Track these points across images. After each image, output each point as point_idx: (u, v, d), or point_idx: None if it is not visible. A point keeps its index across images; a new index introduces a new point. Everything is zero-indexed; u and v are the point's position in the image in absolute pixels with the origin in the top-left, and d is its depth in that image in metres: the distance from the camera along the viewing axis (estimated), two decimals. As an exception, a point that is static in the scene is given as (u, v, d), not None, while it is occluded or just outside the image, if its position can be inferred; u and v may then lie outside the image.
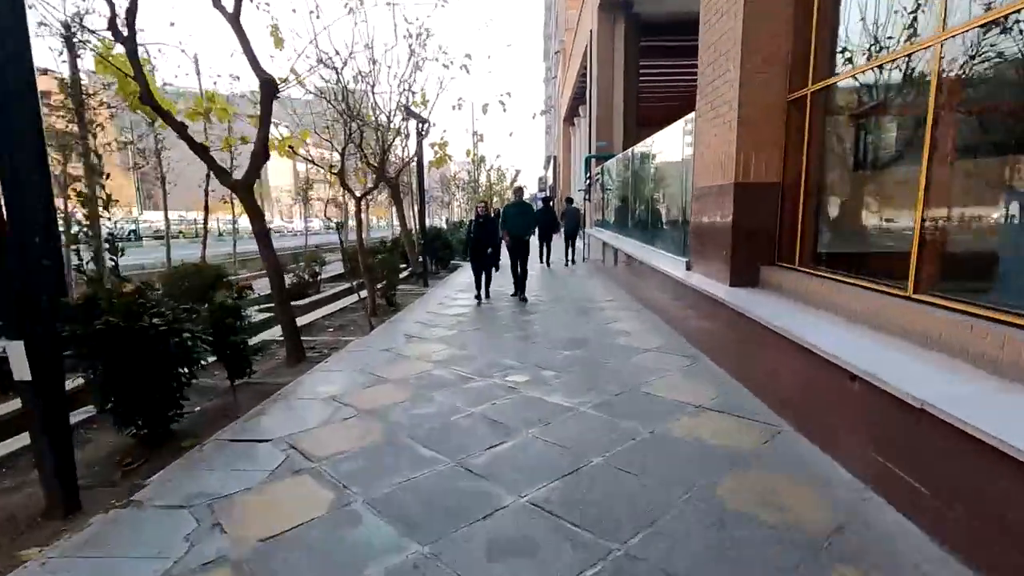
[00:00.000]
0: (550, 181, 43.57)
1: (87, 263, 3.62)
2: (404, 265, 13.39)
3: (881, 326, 3.41)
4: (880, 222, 4.28)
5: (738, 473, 2.99)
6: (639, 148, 9.70)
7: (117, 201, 3.93)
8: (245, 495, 2.95)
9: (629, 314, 7.52)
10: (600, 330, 6.62)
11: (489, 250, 8.78)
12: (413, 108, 11.32)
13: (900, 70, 3.66)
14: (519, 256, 9.01)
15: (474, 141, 33.07)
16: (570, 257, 14.97)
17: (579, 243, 15.61)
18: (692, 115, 6.37)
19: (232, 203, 16.36)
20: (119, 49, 5.12)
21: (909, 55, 3.48)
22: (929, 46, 3.22)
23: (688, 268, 6.30)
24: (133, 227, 30.54)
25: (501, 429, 3.70)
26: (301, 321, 7.86)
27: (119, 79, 5.53)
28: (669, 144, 7.90)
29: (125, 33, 4.66)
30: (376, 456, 3.36)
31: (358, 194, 8.98)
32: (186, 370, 3.89)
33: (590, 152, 15.78)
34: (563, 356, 5.48)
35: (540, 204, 14.81)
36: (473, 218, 9.18)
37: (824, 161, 4.64)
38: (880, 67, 3.83)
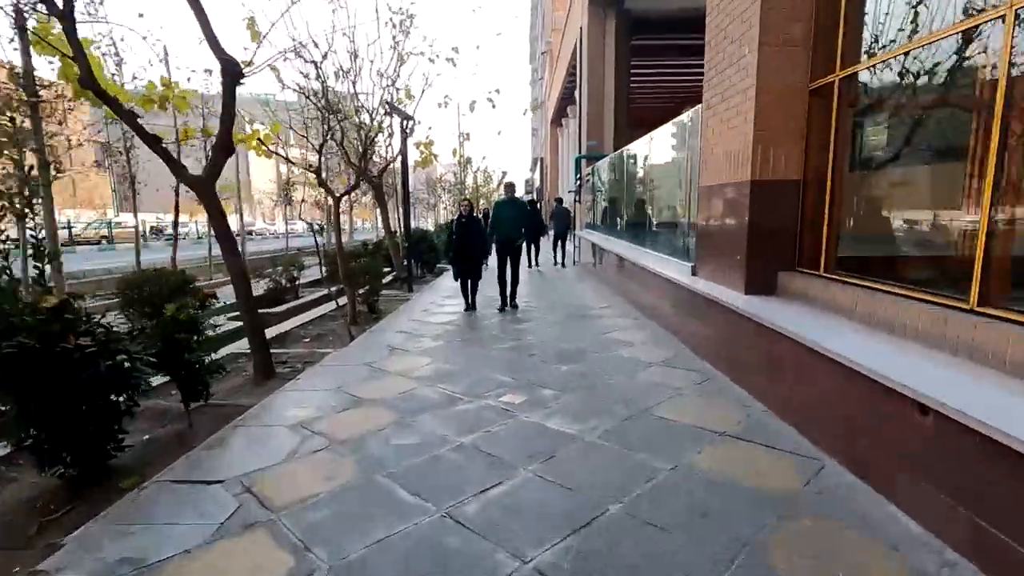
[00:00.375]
0: (537, 183, 43.19)
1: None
2: (388, 269, 12.79)
3: (935, 343, 2.92)
4: (921, 224, 3.82)
5: (787, 526, 2.48)
6: (634, 147, 9.23)
7: (41, 199, 3.32)
8: (182, 561, 2.37)
9: (628, 322, 7.02)
10: (598, 341, 6.11)
11: (476, 256, 7.97)
12: (397, 105, 10.75)
13: (950, 49, 3.19)
14: (510, 261, 8.22)
15: (460, 141, 32.55)
16: (559, 259, 14.78)
17: (569, 246, 15.21)
18: (696, 108, 5.90)
19: (208, 204, 15.65)
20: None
21: (965, 31, 3.01)
22: (999, 16, 2.75)
23: (694, 273, 5.82)
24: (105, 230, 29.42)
25: (497, 465, 3.15)
26: (274, 331, 7.25)
27: (63, 62, 4.89)
28: (669, 141, 7.43)
29: (61, 6, 4.04)
30: (348, 503, 2.80)
31: (338, 195, 8.37)
32: (124, 397, 3.29)
33: (580, 152, 15.32)
34: (561, 372, 4.95)
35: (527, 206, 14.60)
36: (456, 217, 8.32)
37: (854, 156, 4.17)
38: (924, 47, 3.36)
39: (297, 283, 10.91)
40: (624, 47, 15.40)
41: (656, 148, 8.04)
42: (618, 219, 10.82)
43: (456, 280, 8.24)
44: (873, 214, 4.17)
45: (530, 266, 13.99)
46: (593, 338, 6.22)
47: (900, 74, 3.69)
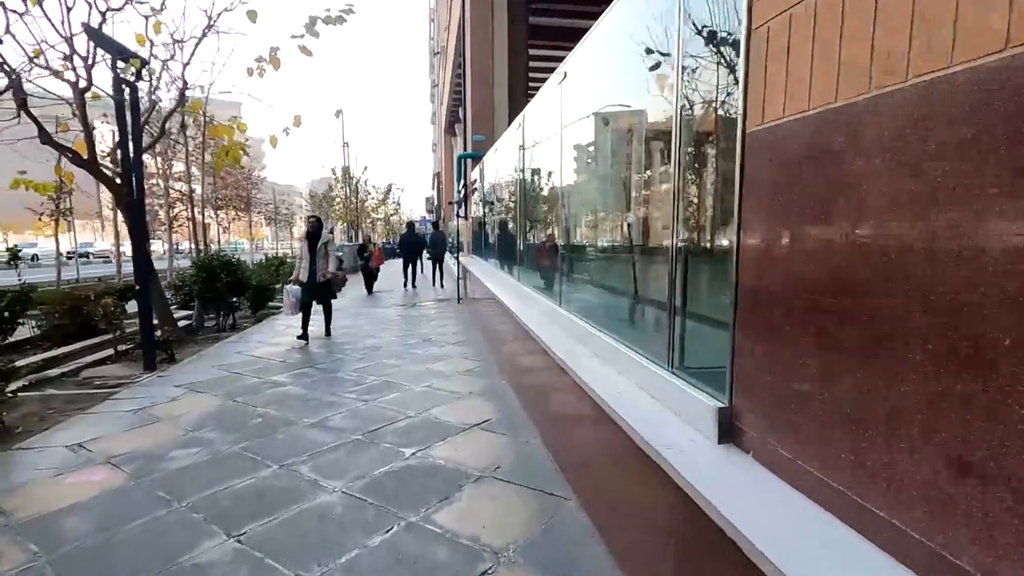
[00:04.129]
0: (436, 201, 38.92)
1: None
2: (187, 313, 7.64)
3: None
4: None
5: None
6: (538, 102, 4.96)
7: None
8: None
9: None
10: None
11: None
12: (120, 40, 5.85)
13: None
14: None
15: (345, 150, 27.58)
16: (438, 281, 14.33)
17: (453, 267, 11.15)
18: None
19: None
20: None
21: None
22: None
23: (728, 438, 1.63)
24: None
25: None
26: None
27: None
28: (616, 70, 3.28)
29: None
30: None
31: None
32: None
33: (465, 150, 11.11)
34: None
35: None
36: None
37: None
38: None
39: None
40: (520, 24, 11.52)
41: (584, 89, 3.78)
42: (508, 246, 6.58)
43: None
44: None
45: (405, 286, 13.69)
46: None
47: None
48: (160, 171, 14.20)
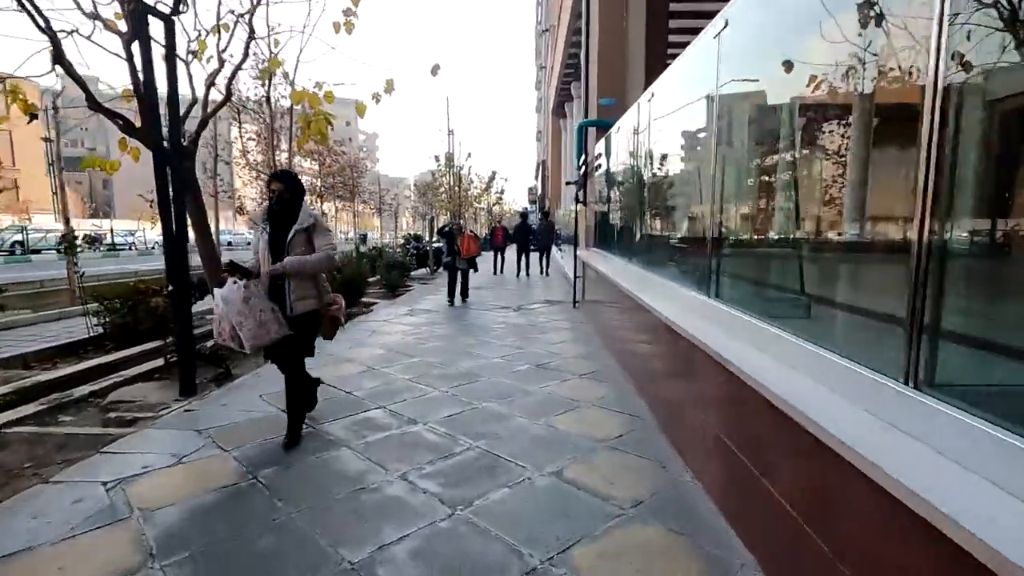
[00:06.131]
0: (539, 191, 37.16)
1: None
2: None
3: None
4: None
5: None
6: None
7: None
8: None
9: None
10: None
11: None
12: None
13: None
14: None
15: (450, 139, 26.46)
16: (544, 269, 15.06)
17: (564, 266, 9.00)
18: None
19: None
20: None
21: None
22: None
23: None
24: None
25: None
26: None
27: None
28: None
29: None
30: None
31: None
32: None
33: (586, 118, 8.92)
34: None
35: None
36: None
37: None
38: None
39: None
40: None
41: None
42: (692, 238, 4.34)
43: None
44: None
45: (518, 274, 14.31)
46: None
47: None
48: (264, 159, 13.61)
